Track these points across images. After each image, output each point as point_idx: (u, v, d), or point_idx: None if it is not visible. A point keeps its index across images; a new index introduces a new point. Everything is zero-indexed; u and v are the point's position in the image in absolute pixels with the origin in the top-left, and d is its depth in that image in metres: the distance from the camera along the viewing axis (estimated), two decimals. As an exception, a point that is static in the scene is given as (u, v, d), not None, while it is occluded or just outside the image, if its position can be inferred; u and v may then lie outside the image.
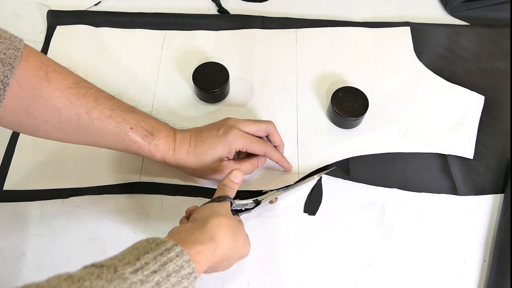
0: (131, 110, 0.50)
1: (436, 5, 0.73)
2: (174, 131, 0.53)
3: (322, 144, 0.59)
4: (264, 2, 0.73)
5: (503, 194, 0.55)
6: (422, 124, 0.60)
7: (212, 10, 0.72)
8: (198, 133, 0.54)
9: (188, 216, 0.48)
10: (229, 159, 0.53)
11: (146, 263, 0.35)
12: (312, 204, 0.54)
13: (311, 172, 0.56)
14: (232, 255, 0.44)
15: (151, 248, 0.37)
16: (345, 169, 0.57)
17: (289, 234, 0.53)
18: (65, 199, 0.54)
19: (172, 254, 0.36)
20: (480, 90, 0.63)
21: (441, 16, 0.72)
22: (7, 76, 0.40)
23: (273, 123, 0.56)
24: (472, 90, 0.63)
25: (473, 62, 0.66)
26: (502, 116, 0.62)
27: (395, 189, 0.55)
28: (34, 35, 0.68)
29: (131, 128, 0.48)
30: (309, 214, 0.54)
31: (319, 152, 0.58)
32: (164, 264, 0.35)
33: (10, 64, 0.40)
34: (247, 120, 0.55)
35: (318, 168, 0.57)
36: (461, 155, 0.58)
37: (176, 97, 0.62)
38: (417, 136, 0.59)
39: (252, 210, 0.52)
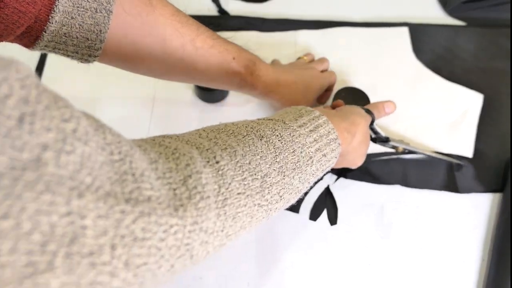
0: (227, 40, 0.48)
1: (436, 6, 0.73)
2: (276, 64, 0.55)
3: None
4: (264, 3, 0.73)
5: (502, 193, 0.55)
6: (421, 123, 0.60)
7: (212, 10, 0.72)
8: (300, 70, 0.56)
9: (333, 107, 0.53)
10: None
11: (304, 123, 0.40)
12: (316, 211, 0.54)
13: (443, 153, 0.57)
14: (349, 157, 0.47)
15: (302, 113, 0.41)
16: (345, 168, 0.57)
17: (289, 234, 0.53)
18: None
19: (321, 121, 0.41)
20: (479, 89, 0.63)
21: (440, 17, 0.72)
22: (109, 3, 0.38)
23: (328, 61, 0.63)
24: (471, 89, 0.63)
25: (472, 62, 0.66)
26: (501, 115, 0.62)
27: (395, 189, 0.56)
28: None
29: (234, 58, 0.47)
30: (313, 220, 0.54)
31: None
32: (317, 127, 0.40)
33: None
34: (318, 61, 0.61)
35: (452, 155, 0.57)
36: (460, 154, 0.58)
37: (176, 96, 0.63)
38: (416, 135, 0.59)
39: (377, 143, 0.54)
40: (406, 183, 0.56)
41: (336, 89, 0.60)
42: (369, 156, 0.57)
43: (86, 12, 0.37)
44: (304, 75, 0.56)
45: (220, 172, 0.30)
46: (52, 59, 0.65)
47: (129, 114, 0.61)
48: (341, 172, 0.56)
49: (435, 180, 0.56)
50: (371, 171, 0.56)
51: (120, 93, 0.63)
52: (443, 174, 0.57)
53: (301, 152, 0.38)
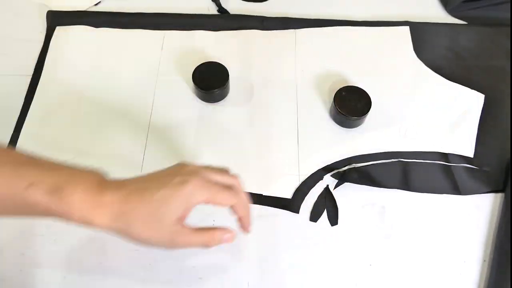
0: (31, 162, 0.39)
1: (436, 5, 0.73)
2: (102, 183, 0.39)
3: (323, 143, 0.59)
4: (264, 2, 0.73)
5: (503, 194, 0.55)
6: (422, 123, 0.60)
7: (212, 10, 0.72)
8: (142, 184, 0.40)
9: None
10: (183, 225, 0.40)
11: None
12: (316, 211, 0.54)
13: None
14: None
15: None
16: (346, 172, 0.57)
17: (289, 234, 0.53)
18: (65, 199, 0.54)
19: None
20: (480, 89, 0.63)
21: (441, 16, 0.72)
22: None
23: (239, 179, 0.43)
24: (472, 89, 0.63)
25: (473, 61, 0.66)
26: (502, 115, 0.62)
27: (396, 189, 0.56)
28: (34, 35, 0.68)
29: (31, 184, 0.37)
30: (314, 221, 0.53)
31: (320, 150, 0.58)
32: None
33: None
34: (209, 167, 0.42)
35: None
36: (461, 154, 0.58)
37: (176, 97, 0.62)
38: (417, 135, 0.59)
39: None
40: (407, 187, 0.55)
41: (336, 88, 0.60)
42: (369, 160, 0.57)
43: None
44: (156, 191, 0.39)
45: None
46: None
47: (129, 113, 0.61)
48: (342, 177, 0.56)
49: (436, 183, 0.56)
50: (371, 175, 0.56)
51: (119, 93, 0.63)
52: (443, 177, 0.56)
53: None
